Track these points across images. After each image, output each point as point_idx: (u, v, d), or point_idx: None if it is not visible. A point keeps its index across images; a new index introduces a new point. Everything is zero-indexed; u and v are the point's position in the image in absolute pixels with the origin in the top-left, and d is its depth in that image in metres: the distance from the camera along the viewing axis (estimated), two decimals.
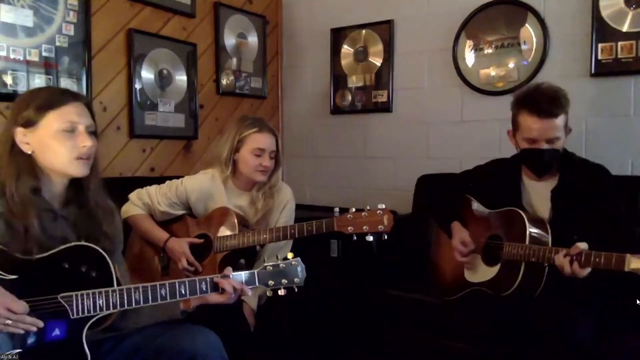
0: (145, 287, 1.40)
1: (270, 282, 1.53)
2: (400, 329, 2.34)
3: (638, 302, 1.87)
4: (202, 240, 2.13)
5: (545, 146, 1.91)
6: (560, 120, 1.89)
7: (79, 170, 1.44)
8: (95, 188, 1.51)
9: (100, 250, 1.41)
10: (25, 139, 1.40)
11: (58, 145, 1.40)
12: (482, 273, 2.03)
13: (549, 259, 1.76)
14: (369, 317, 2.49)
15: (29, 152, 1.41)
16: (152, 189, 2.22)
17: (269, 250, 2.17)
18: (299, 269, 1.56)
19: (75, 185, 1.49)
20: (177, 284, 1.44)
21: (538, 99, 1.92)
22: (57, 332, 1.33)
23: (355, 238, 1.86)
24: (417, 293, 2.34)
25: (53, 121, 1.40)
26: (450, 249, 2.13)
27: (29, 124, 1.40)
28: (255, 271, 1.53)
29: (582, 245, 1.69)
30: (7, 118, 1.46)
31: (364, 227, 1.83)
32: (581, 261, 1.66)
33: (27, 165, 1.40)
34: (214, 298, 1.49)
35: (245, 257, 2.17)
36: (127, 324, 1.51)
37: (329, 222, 1.88)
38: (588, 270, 1.67)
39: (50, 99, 1.42)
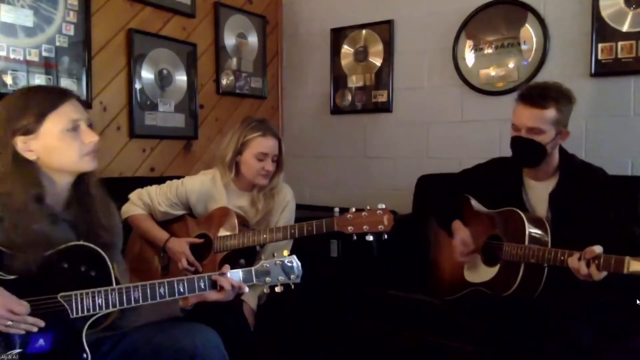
0: (144, 286, 1.41)
1: (267, 279, 1.55)
2: (400, 329, 2.34)
3: (638, 302, 1.87)
4: (202, 240, 2.13)
5: (524, 134, 1.89)
6: (547, 113, 1.86)
7: (89, 165, 1.43)
8: (94, 181, 1.49)
9: (99, 250, 1.41)
10: (27, 146, 1.35)
11: (65, 146, 1.38)
12: (482, 273, 2.03)
13: (548, 259, 1.75)
14: (368, 317, 2.49)
15: (34, 159, 1.37)
16: (153, 189, 2.22)
17: (269, 250, 2.17)
18: (294, 265, 1.58)
19: (77, 183, 1.47)
20: (175, 282, 1.44)
21: (529, 89, 1.94)
22: (57, 332, 1.32)
23: (355, 238, 1.86)
24: (417, 293, 2.34)
25: (55, 123, 1.36)
26: (451, 248, 2.13)
27: (29, 131, 1.34)
28: (252, 268, 1.55)
29: (598, 249, 1.65)
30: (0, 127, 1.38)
31: (364, 227, 1.83)
32: (600, 265, 1.62)
33: (32, 173, 1.36)
34: (213, 296, 1.50)
35: (245, 257, 2.17)
36: (126, 323, 1.50)
37: (329, 222, 1.88)
38: (604, 273, 1.63)
39: (45, 102, 1.37)
